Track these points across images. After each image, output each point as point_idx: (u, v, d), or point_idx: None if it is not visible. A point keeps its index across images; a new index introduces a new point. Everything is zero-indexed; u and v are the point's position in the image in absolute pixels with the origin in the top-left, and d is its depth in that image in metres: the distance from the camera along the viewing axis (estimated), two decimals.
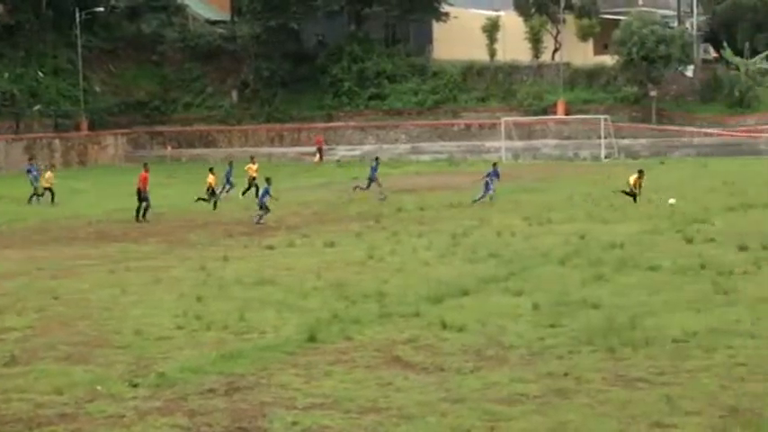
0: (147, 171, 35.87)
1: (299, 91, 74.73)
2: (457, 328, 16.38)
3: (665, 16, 72.16)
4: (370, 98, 73.42)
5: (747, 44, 72.29)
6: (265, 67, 74.74)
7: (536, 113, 68.61)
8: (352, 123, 72.59)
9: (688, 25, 73.96)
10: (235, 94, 77.69)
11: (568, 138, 66.83)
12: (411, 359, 14.70)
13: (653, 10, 71.25)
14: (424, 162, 63.12)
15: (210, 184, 39.05)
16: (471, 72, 73.02)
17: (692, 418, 11.44)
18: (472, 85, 72.87)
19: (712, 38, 79.32)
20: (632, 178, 34.84)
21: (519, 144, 65.10)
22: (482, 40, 73.04)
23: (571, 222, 29.40)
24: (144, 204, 35.15)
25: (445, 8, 74.80)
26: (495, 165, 39.27)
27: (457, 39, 74.05)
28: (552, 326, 16.40)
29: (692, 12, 75.52)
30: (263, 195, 33.91)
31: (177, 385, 13.45)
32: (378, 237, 28.50)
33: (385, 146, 68.98)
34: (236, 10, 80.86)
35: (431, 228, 30.09)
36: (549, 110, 69.14)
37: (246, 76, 76.61)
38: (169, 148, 73.15)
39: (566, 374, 13.49)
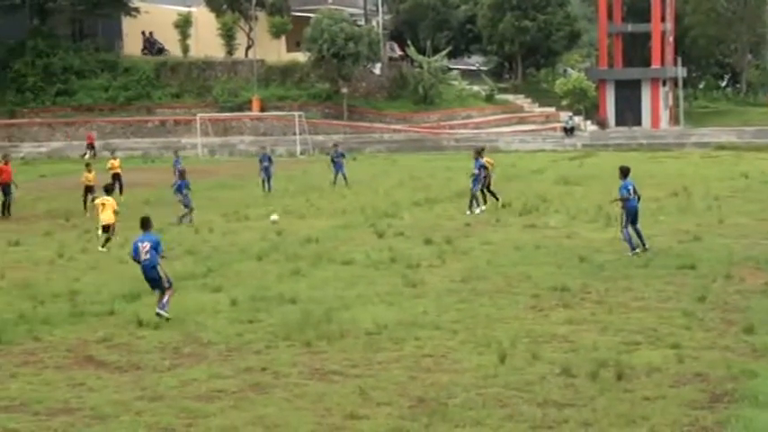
0: (7, 164, 33.61)
1: None
2: (153, 325, 16.15)
3: (352, 14, 73.97)
4: (58, 94, 70.49)
5: (429, 42, 75.60)
6: None
7: (232, 110, 68.66)
8: (38, 120, 69.56)
9: (374, 23, 76.26)
10: None
11: (264, 134, 67.30)
12: (105, 358, 14.37)
13: (341, 8, 72.93)
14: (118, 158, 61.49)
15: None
16: (165, 68, 72.05)
17: (384, 408, 11.80)
18: (166, 81, 71.90)
19: (398, 36, 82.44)
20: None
21: (216, 140, 64.92)
22: (174, 35, 72.23)
23: (268, 218, 29.60)
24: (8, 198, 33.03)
25: (135, 3, 73.29)
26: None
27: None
28: (250, 321, 16.48)
29: (377, 10, 77.93)
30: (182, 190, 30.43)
31: None
32: (68, 235, 27.56)
33: (75, 142, 66.67)
34: None
35: (125, 225, 29.37)
36: (244, 106, 69.38)
37: None
38: None
39: (263, 369, 13.59)
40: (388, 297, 18.13)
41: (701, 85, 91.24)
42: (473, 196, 30.31)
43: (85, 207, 32.20)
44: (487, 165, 31.13)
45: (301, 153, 61.95)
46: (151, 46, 75.51)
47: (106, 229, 25.08)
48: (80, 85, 70.93)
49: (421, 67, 71.64)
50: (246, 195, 37.53)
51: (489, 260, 21.79)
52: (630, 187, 22.00)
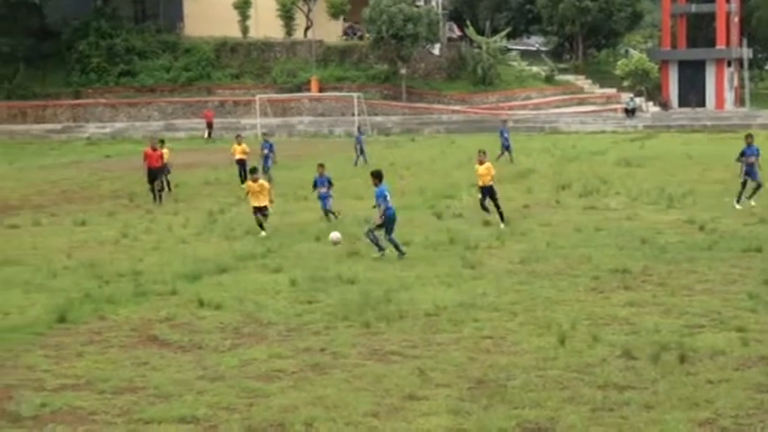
0: (155, 149, 31.29)
1: (43, 67, 71.70)
2: (214, 305, 16.29)
3: None
4: (121, 74, 71.42)
5: (488, 23, 75.11)
6: (4, 43, 71.09)
7: (290, 90, 68.81)
8: (102, 100, 70.47)
9: (434, 4, 75.89)
10: None
11: (323, 115, 67.50)
12: (168, 338, 14.51)
13: None
14: (179, 139, 62.04)
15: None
16: (225, 49, 72.48)
17: (443, 389, 11.79)
18: (226, 62, 72.35)
19: (456, 16, 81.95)
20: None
21: (274, 121, 65.12)
22: (234, 16, 72.52)
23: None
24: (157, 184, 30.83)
25: None
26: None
27: (209, 16, 73.11)
28: (309, 302, 16.56)
29: None
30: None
31: None
32: (132, 215, 27.89)
33: (137, 123, 67.47)
34: None
35: (188, 205, 29.71)
36: (302, 87, 69.51)
37: None
38: None
39: (322, 350, 13.65)
40: (447, 278, 18.10)
41: (766, 66, 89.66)
42: None
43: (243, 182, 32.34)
44: None
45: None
46: (353, 33, 75.58)
47: (260, 210, 23.76)
48: (142, 65, 71.69)
49: (480, 47, 71.23)
50: (305, 175, 37.54)
51: (549, 242, 21.67)
52: (387, 194, 20.83)
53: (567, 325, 14.33)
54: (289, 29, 73.19)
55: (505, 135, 42.00)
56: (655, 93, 73.55)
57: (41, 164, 46.66)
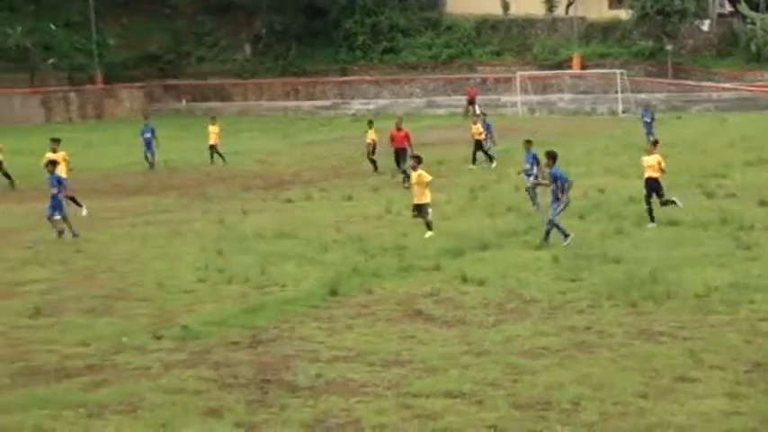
0: (399, 129, 31.43)
1: (312, 45, 74.52)
2: (477, 281, 16.43)
3: None
4: (384, 52, 73.26)
5: None
6: (278, 21, 74.41)
7: (551, 68, 68.21)
8: (367, 77, 72.40)
9: None
10: (248, 48, 77.49)
11: (584, 92, 66.40)
12: (432, 312, 14.76)
13: None
14: (440, 116, 62.83)
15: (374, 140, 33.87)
16: (485, 26, 72.71)
17: (716, 372, 11.46)
18: (486, 39, 72.59)
19: None
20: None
21: (535, 98, 64.72)
22: None
23: (590, 177, 29.24)
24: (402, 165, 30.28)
25: None
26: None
27: None
28: (573, 280, 16.43)
29: None
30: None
31: (201, 338, 13.57)
32: (395, 192, 28.47)
33: (400, 100, 68.81)
34: None
35: (449, 182, 30.04)
36: (564, 64, 68.76)
37: (259, 29, 76.32)
38: (184, 101, 73.17)
39: (587, 328, 13.53)
40: (719, 259, 17.51)
41: None
42: None
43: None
44: None
45: (623, 111, 60.64)
46: None
47: (419, 209, 21.36)
48: (405, 43, 73.11)
49: (754, 23, 67.97)
50: (566, 154, 37.12)
51: None
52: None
53: None
54: (550, 5, 72.55)
55: (646, 119, 39.11)
56: None
57: (311, 139, 48.43)
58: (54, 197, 21.87)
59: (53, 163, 22.79)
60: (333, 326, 14.15)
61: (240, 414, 10.60)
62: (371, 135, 33.95)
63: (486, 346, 12.87)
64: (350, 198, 27.31)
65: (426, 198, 21.08)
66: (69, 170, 25.95)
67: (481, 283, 16.37)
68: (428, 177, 21.17)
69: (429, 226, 21.03)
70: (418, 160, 21.57)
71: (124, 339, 13.50)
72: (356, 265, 17.99)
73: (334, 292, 16.01)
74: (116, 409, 10.81)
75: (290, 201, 27.42)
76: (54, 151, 25.53)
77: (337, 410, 10.66)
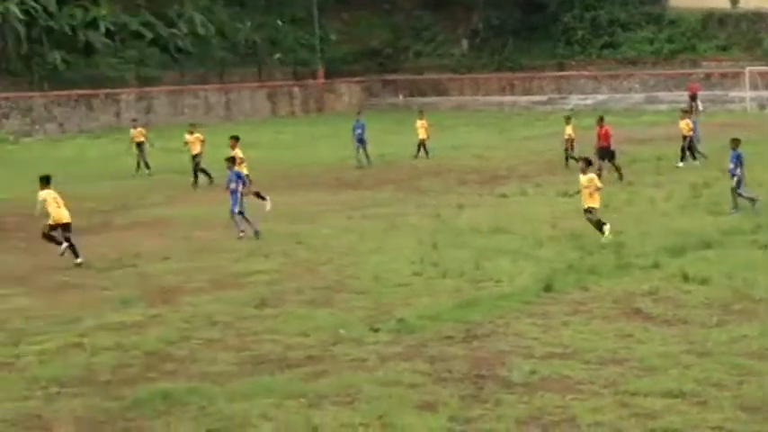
0: (602, 126, 30.57)
1: (529, 39, 74.13)
2: (700, 280, 15.87)
3: None
4: (603, 47, 72.07)
5: None
6: (495, 16, 74.42)
7: None
8: (584, 72, 71.37)
9: None
10: (465, 43, 77.80)
11: None
12: (651, 311, 14.37)
13: None
14: (661, 112, 61.15)
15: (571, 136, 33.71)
16: (711, 20, 70.19)
17: None
18: (712, 34, 70.06)
19: None
20: None
21: (765, 94, 62.01)
22: None
23: None
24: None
25: None
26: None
27: None
28: None
29: None
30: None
31: (416, 331, 13.64)
32: (613, 187, 27.85)
33: (617, 95, 67.47)
34: None
35: (669, 178, 29.20)
36: None
37: (476, 24, 76.51)
38: (401, 96, 74.18)
39: None
40: None
41: None
42: None
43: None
44: None
45: None
46: None
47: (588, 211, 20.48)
48: (625, 37, 71.66)
49: None
50: None
51: None
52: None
53: None
54: None
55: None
56: None
57: (527, 135, 48.11)
58: (233, 192, 22.23)
59: (232, 159, 23.41)
60: (547, 322, 13.98)
61: (455, 408, 10.59)
62: (568, 131, 33.69)
63: (709, 346, 12.42)
64: (565, 194, 26.93)
65: (595, 202, 20.36)
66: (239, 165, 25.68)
67: (704, 282, 15.81)
68: (599, 183, 20.58)
69: (600, 227, 20.13)
70: (588, 163, 20.91)
71: (342, 331, 13.75)
72: (572, 262, 17.73)
73: (548, 289, 15.81)
74: (335, 400, 10.99)
75: (504, 196, 27.32)
76: (232, 148, 26.02)
77: (552, 407, 10.51)
